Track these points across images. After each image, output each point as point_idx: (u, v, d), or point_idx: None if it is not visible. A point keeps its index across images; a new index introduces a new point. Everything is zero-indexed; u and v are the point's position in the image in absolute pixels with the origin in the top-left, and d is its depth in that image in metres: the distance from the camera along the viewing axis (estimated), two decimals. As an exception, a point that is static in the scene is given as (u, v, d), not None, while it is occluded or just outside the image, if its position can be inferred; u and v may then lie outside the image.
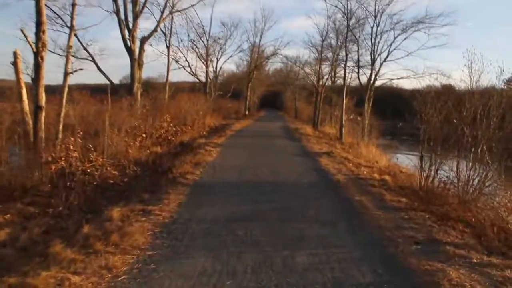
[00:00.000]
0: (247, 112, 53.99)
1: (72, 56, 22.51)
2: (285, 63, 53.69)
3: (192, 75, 41.87)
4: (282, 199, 8.36)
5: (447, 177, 10.86)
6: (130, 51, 22.66)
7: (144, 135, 15.91)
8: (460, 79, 11.72)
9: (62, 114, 14.26)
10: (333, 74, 36.70)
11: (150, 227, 6.07)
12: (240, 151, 15.85)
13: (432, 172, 11.09)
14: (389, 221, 6.99)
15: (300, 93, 60.17)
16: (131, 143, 14.54)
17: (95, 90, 25.57)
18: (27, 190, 8.77)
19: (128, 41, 22.60)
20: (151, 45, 33.99)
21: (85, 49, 22.78)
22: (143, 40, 24.05)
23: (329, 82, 36.56)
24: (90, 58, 23.16)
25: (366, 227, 6.73)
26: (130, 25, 22.74)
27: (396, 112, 44.44)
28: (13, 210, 7.31)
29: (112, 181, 9.88)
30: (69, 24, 15.31)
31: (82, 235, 5.52)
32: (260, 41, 50.66)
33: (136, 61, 22.83)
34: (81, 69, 15.02)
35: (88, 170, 10.60)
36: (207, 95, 40.72)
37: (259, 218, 6.91)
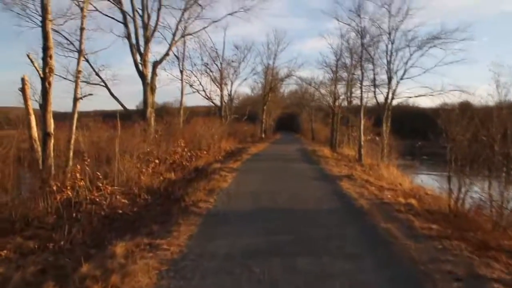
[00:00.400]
0: (263, 135, 53.52)
1: (84, 81, 22.49)
2: (300, 85, 53.49)
3: (207, 99, 41.80)
4: (302, 229, 7.67)
5: (480, 199, 10.15)
6: (142, 75, 22.46)
7: (157, 161, 15.43)
8: (486, 94, 11.16)
9: (72, 141, 13.89)
10: (349, 94, 36.11)
11: (156, 265, 5.43)
12: (256, 176, 15.21)
13: (462, 195, 10.39)
14: (422, 253, 6.27)
15: (316, 115, 59.62)
16: (143, 170, 14.06)
17: (110, 116, 25.38)
18: (29, 222, 8.25)
19: (140, 65, 22.43)
20: (165, 69, 33.96)
21: (97, 74, 22.70)
22: (155, 64, 23.88)
23: (345, 103, 36.00)
24: (102, 84, 23.07)
25: (397, 260, 6.02)
26: (142, 50, 22.57)
27: (413, 131, 43.47)
28: (11, 245, 6.77)
29: (121, 211, 9.32)
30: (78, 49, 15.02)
31: (79, 276, 4.93)
32: (274, 63, 50.67)
33: (148, 86, 22.60)
34: (90, 94, 14.65)
35: (97, 199, 10.11)
36: (223, 118, 40.46)
37: (277, 252, 6.24)
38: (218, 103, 42.88)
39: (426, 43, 25.72)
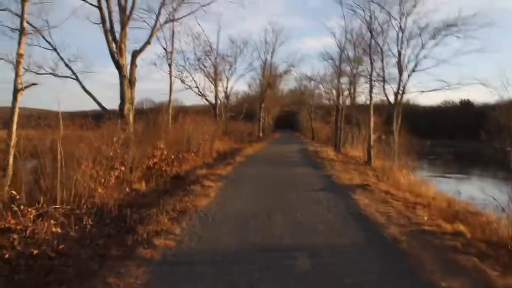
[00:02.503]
0: (261, 134, 50.59)
1: (51, 74, 19.46)
2: (300, 82, 51.28)
3: (200, 95, 38.74)
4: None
5: None
6: (118, 66, 19.24)
7: (123, 168, 12.32)
8: None
9: (13, 143, 10.87)
10: (352, 90, 33.25)
11: None
12: (248, 187, 12.07)
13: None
14: None
15: (316, 113, 57.21)
16: (103, 180, 10.98)
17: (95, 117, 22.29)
18: None
19: (116, 54, 19.21)
20: (155, 64, 31.28)
21: (66, 65, 19.55)
22: (135, 54, 20.64)
23: (348, 100, 33.11)
24: (73, 77, 19.96)
25: None
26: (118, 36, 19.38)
27: (413, 130, 40.41)
28: None
29: (36, 251, 6.20)
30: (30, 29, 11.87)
31: None
32: (272, 58, 47.73)
33: (126, 78, 19.38)
34: (34, 84, 11.51)
35: (16, 228, 7.03)
36: (217, 117, 37.70)
37: None
38: (213, 100, 39.93)
39: (441, 31, 22.64)
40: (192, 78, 37.16)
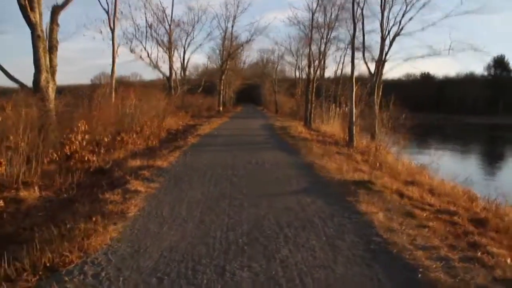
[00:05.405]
0: (221, 108, 46.56)
1: None
2: (262, 54, 48.25)
3: (152, 66, 34.33)
4: None
5: None
6: (30, 23, 14.60)
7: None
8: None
9: None
10: (322, 61, 29.78)
11: None
12: (193, 193, 7.80)
13: None
14: None
15: (280, 86, 54.25)
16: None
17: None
18: None
19: (26, 8, 14.54)
20: (101, 32, 26.80)
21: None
22: (56, 10, 15.98)
23: (317, 72, 29.74)
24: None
25: None
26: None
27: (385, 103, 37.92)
28: None
29: None
30: None
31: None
32: (233, 26, 43.48)
33: (40, 39, 14.77)
34: None
35: None
36: (173, 90, 33.61)
37: None
38: (167, 72, 35.62)
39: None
40: (144, 47, 32.81)
